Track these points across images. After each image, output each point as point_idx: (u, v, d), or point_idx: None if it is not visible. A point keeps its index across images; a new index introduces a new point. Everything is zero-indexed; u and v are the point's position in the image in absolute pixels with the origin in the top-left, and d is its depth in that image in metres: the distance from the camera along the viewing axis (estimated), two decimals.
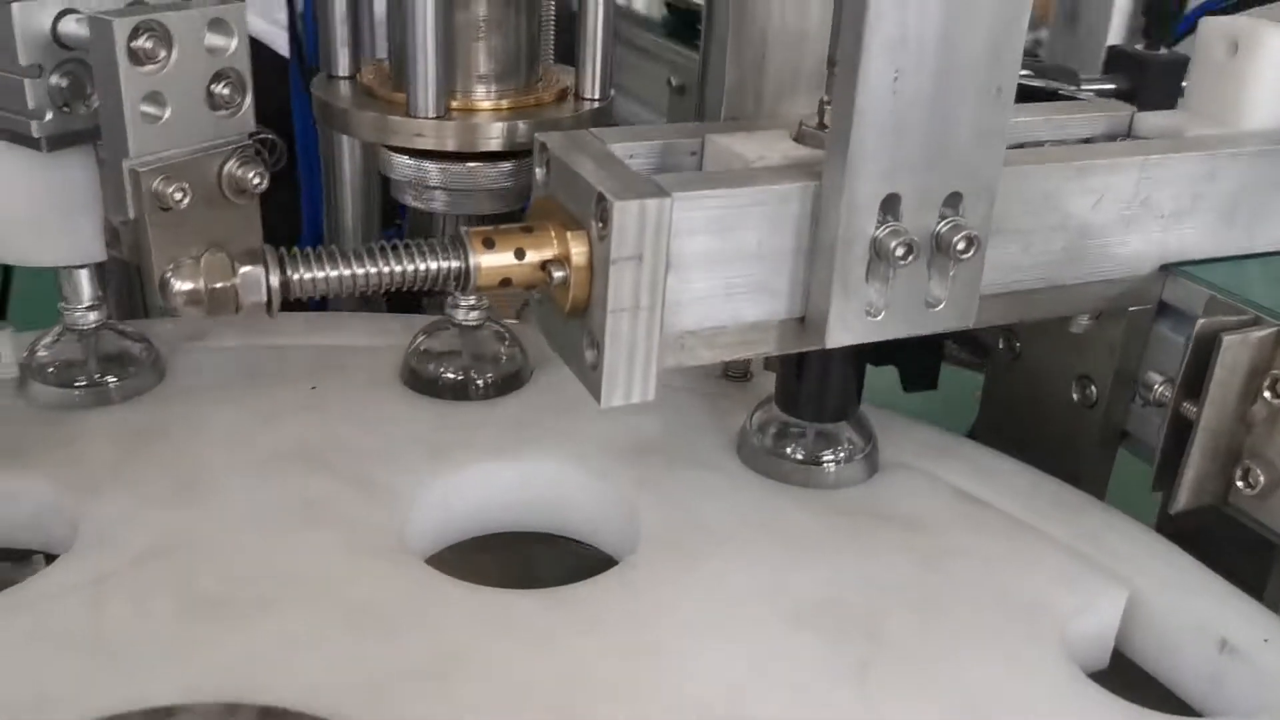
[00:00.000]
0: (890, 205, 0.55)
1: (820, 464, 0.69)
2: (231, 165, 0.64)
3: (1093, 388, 0.72)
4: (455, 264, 0.56)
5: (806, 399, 0.69)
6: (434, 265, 0.56)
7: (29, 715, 0.48)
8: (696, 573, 0.60)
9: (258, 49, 1.00)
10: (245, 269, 0.53)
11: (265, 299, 0.53)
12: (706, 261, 0.56)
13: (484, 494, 0.68)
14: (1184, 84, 0.93)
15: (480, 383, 0.76)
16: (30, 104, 0.62)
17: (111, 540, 0.60)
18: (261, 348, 0.81)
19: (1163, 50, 0.93)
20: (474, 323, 0.76)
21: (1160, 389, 0.65)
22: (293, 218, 1.13)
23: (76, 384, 0.73)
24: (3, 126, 0.63)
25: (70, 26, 0.62)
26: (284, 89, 1.07)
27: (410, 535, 0.63)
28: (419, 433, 0.71)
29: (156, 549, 0.60)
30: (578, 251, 0.55)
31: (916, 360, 0.88)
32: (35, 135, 0.63)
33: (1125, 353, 0.69)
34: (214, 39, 0.62)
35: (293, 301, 0.57)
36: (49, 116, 0.63)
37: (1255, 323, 0.61)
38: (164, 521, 0.62)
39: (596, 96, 0.70)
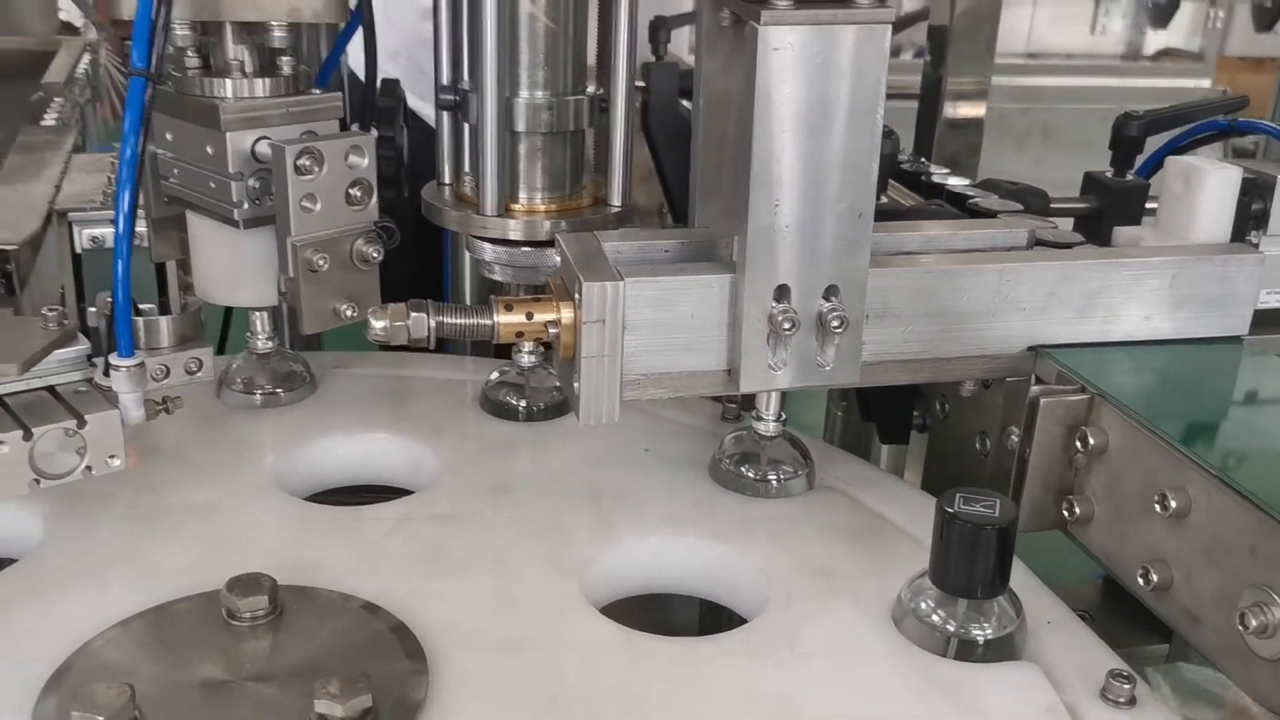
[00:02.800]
0: (783, 293, 0.79)
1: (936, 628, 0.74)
2: (359, 243, 0.93)
3: (987, 440, 0.92)
4: (486, 321, 0.82)
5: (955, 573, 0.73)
6: (474, 321, 0.82)
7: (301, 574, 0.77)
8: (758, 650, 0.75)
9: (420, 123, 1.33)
10: (414, 314, 0.80)
11: (426, 334, 0.80)
12: (653, 326, 0.80)
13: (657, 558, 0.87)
14: (1146, 205, 1.13)
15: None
16: (234, 198, 0.92)
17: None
18: (386, 376, 1.10)
19: (1128, 177, 1.13)
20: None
21: (1015, 439, 0.86)
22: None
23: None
24: (216, 212, 0.95)
25: (263, 147, 0.92)
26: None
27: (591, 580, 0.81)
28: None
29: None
30: (566, 316, 0.80)
31: (891, 420, 1.10)
32: (236, 218, 0.93)
33: (1006, 414, 0.90)
34: (353, 159, 0.92)
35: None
36: (246, 206, 0.93)
37: (1080, 391, 0.82)
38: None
39: (619, 204, 0.96)
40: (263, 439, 0.98)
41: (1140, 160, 1.17)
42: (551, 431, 1.01)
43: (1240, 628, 0.66)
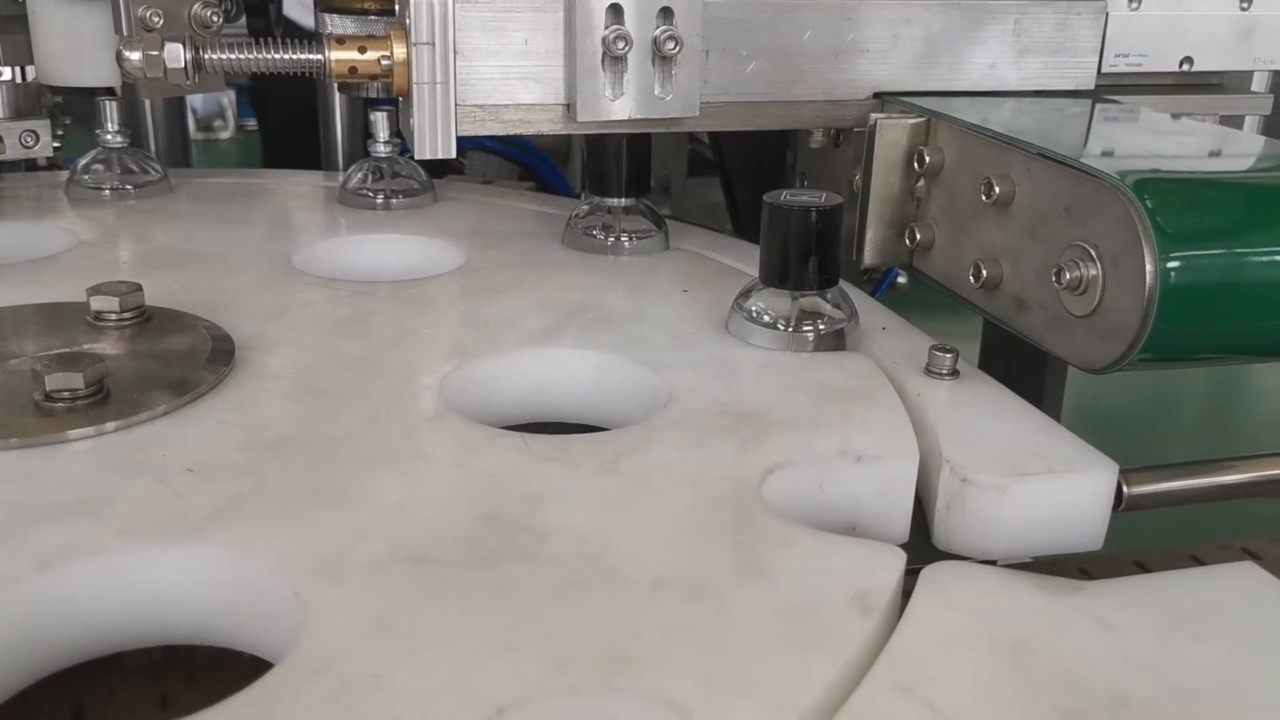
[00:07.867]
0: (616, 13, 0.78)
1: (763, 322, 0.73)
2: (197, 7, 0.91)
3: None
4: (316, 56, 0.80)
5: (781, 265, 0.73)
6: (302, 55, 0.80)
7: None
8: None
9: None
10: (170, 45, 0.78)
11: (183, 67, 0.78)
12: (486, 53, 0.79)
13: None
14: None
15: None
16: None
17: None
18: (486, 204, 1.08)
19: None
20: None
21: (857, 180, 0.85)
22: None
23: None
24: None
25: None
26: None
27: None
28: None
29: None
30: (399, 50, 0.79)
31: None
32: None
33: (854, 166, 0.89)
34: None
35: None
36: None
37: (919, 116, 0.81)
38: None
39: None
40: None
41: None
42: (619, 265, 0.90)
43: (1057, 285, 0.65)
